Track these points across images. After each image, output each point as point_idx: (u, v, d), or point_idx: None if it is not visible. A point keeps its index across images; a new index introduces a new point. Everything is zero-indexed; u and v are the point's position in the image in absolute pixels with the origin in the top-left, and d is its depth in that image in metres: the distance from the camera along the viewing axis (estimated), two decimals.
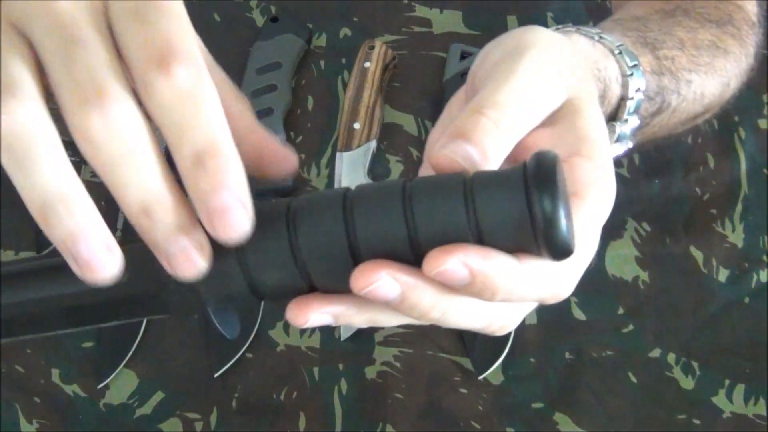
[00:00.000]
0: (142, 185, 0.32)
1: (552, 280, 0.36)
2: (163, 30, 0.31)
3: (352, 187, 0.35)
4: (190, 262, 0.33)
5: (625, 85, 0.50)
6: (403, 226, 0.33)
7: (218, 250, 0.33)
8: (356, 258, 0.34)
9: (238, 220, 0.32)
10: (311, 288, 0.35)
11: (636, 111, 0.51)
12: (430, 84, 0.75)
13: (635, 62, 0.50)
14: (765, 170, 0.73)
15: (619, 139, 0.51)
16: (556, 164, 0.33)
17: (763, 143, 0.74)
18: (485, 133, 0.36)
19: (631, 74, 0.50)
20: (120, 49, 0.32)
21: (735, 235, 0.71)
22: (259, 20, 0.77)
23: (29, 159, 0.31)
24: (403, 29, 0.77)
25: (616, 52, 0.50)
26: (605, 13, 0.77)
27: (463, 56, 0.74)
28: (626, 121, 0.51)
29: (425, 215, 0.33)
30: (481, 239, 0.33)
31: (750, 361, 0.66)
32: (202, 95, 0.31)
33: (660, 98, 0.55)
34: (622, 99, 0.50)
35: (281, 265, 0.34)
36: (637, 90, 0.50)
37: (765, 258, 0.70)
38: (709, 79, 0.59)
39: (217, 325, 0.36)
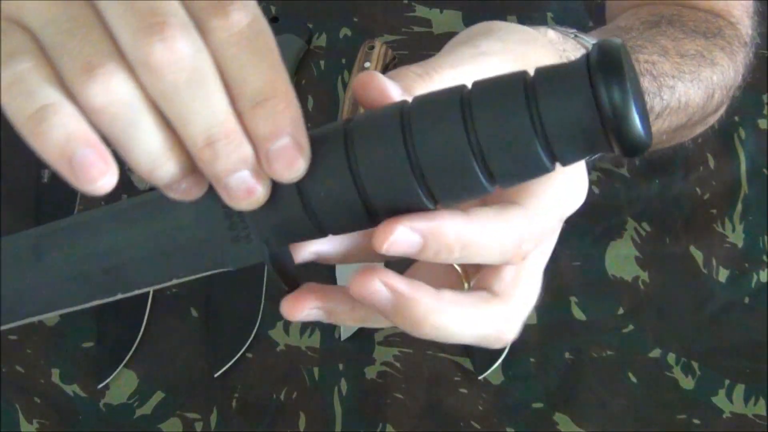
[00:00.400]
0: (207, 116, 0.31)
1: (509, 233, 0.35)
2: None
3: (409, 100, 0.34)
4: (250, 192, 0.33)
5: None
6: (464, 137, 0.31)
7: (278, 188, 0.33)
8: (416, 174, 0.32)
9: (295, 161, 0.32)
10: (368, 211, 0.33)
11: None
12: None
13: None
14: (765, 170, 0.73)
15: None
16: (621, 50, 0.30)
17: (763, 143, 0.74)
18: (410, 79, 0.37)
19: None
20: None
21: (735, 235, 0.71)
22: None
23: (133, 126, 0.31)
24: (403, 29, 0.77)
25: (590, 49, 0.50)
26: (605, 13, 0.77)
27: None
28: None
29: (486, 125, 0.31)
30: (547, 142, 0.31)
31: (750, 361, 0.66)
32: (259, 36, 0.31)
33: None
34: None
35: (339, 185, 0.33)
36: None
37: (765, 258, 0.70)
38: (694, 88, 0.59)
39: (278, 278, 0.35)
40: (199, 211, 0.35)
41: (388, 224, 0.33)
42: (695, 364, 0.66)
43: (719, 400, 0.65)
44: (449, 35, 0.80)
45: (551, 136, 0.31)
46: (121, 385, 0.66)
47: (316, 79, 0.75)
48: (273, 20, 0.77)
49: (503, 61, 0.40)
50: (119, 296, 0.37)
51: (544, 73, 0.31)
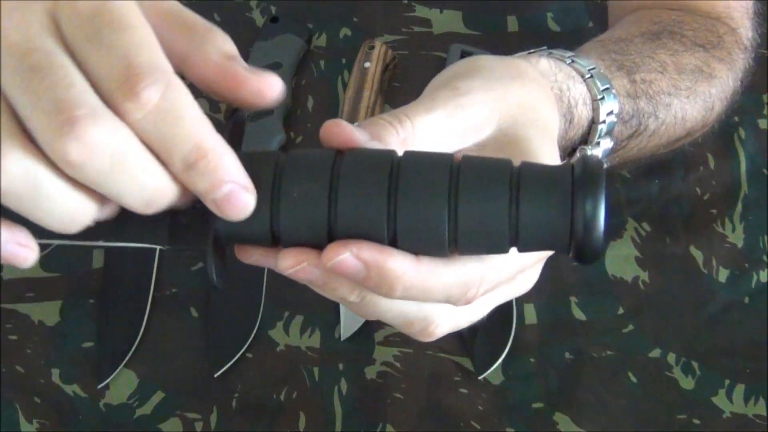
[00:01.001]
0: (140, 189, 0.32)
1: (457, 281, 0.36)
2: (121, 50, 0.31)
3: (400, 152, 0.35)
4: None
5: (595, 109, 0.50)
6: (444, 210, 0.34)
7: (253, 177, 0.34)
8: (389, 225, 0.34)
9: (241, 202, 0.34)
10: (330, 238, 0.35)
11: (609, 134, 0.51)
12: None
13: (607, 86, 0.51)
14: (765, 170, 0.73)
15: None
16: (602, 169, 0.33)
17: (763, 143, 0.74)
18: (392, 141, 0.38)
19: (602, 98, 0.50)
20: (85, 74, 0.32)
21: (735, 235, 0.71)
22: (259, 20, 0.77)
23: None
24: (403, 29, 0.77)
25: (587, 75, 0.50)
26: (605, 13, 0.77)
27: (463, 56, 0.74)
28: (598, 144, 0.51)
29: (467, 206, 0.34)
30: (516, 233, 0.34)
31: (750, 361, 0.66)
32: (176, 104, 0.32)
33: (635, 121, 0.55)
34: (593, 122, 0.50)
35: (314, 213, 0.34)
36: (609, 113, 0.51)
37: (765, 258, 0.70)
38: (691, 103, 0.59)
39: (210, 269, 0.36)
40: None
41: (339, 245, 0.34)
42: (695, 364, 0.66)
43: (719, 400, 0.65)
44: (449, 35, 0.81)
45: (521, 230, 0.34)
46: (121, 385, 0.66)
47: (316, 79, 0.75)
48: (273, 20, 0.77)
49: (482, 101, 0.41)
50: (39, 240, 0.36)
51: (531, 170, 0.34)
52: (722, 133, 0.71)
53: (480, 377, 0.65)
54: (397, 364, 0.65)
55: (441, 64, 0.74)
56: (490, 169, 0.34)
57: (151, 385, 0.66)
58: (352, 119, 0.71)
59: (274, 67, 0.74)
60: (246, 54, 0.75)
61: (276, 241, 0.36)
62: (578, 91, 0.49)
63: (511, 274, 0.39)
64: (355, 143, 0.36)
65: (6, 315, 0.67)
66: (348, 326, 0.66)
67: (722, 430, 0.64)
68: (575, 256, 0.34)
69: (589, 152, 0.51)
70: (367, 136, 0.37)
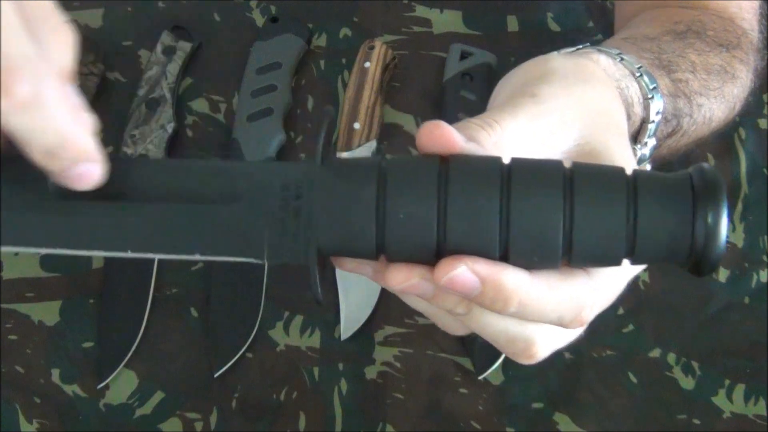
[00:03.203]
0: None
1: (570, 300, 0.36)
2: None
3: (506, 160, 0.34)
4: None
5: (646, 107, 0.49)
6: (560, 217, 0.33)
7: (356, 187, 0.34)
8: (502, 232, 0.33)
9: (94, 177, 0.35)
10: (438, 251, 0.34)
11: (655, 133, 0.51)
12: (430, 84, 0.74)
13: (654, 84, 0.50)
14: (765, 170, 0.73)
15: (639, 162, 0.51)
16: (721, 179, 0.33)
17: (763, 143, 0.74)
18: (487, 143, 0.37)
19: (652, 97, 0.49)
20: None
21: (735, 235, 0.71)
22: (259, 20, 0.77)
23: None
24: (403, 29, 0.77)
25: (637, 74, 0.49)
26: (605, 13, 0.77)
27: (463, 56, 0.74)
28: (645, 143, 0.51)
29: (584, 213, 0.33)
30: (633, 244, 0.33)
31: (750, 361, 0.66)
32: (48, 100, 0.33)
33: (675, 121, 0.55)
34: (643, 121, 0.50)
35: (423, 220, 0.33)
36: (657, 113, 0.50)
37: (765, 258, 0.70)
38: (718, 104, 0.59)
39: (315, 285, 0.35)
40: (252, 195, 0.35)
41: (453, 260, 0.34)
42: (695, 364, 0.66)
43: (719, 400, 0.65)
44: (449, 35, 0.81)
45: (639, 240, 0.33)
46: (121, 385, 0.66)
47: (316, 79, 0.75)
48: (273, 20, 0.77)
49: (564, 106, 0.40)
50: (125, 254, 0.36)
51: (647, 179, 0.33)
52: (722, 133, 0.71)
53: (480, 377, 0.65)
54: (397, 364, 0.65)
55: (441, 64, 0.74)
56: (605, 176, 0.33)
57: (151, 385, 0.66)
58: (352, 119, 0.71)
59: (274, 67, 0.74)
60: (246, 54, 0.75)
61: (380, 253, 0.35)
62: (633, 90, 0.48)
63: (618, 291, 0.38)
64: (456, 146, 0.35)
65: (6, 315, 0.67)
66: (348, 326, 0.66)
67: (722, 430, 0.64)
68: (692, 268, 0.33)
69: (638, 152, 0.50)
70: (464, 138, 0.36)
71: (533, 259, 0.34)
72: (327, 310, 0.67)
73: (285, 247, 0.35)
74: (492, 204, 0.33)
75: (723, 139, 0.73)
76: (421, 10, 0.77)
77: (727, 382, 0.66)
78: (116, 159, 0.36)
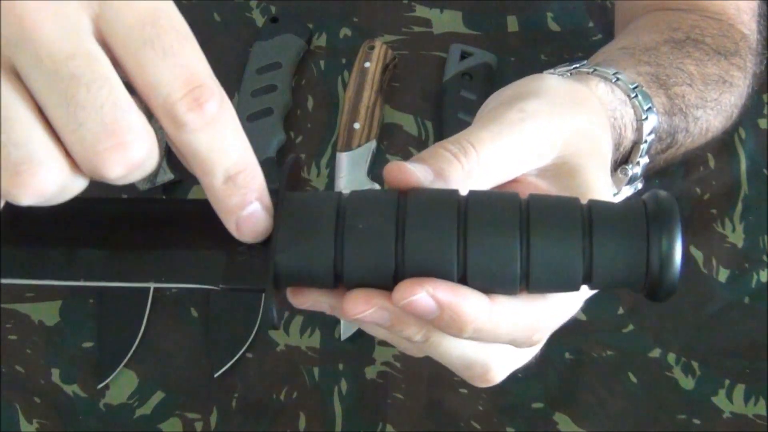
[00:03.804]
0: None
1: (525, 324, 0.36)
2: (184, 59, 0.31)
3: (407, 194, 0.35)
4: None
5: (639, 129, 0.49)
6: (516, 250, 0.33)
7: (315, 219, 0.34)
8: (459, 264, 0.34)
9: (262, 223, 0.34)
10: (396, 279, 0.34)
11: (647, 152, 0.51)
12: (430, 84, 0.75)
13: (649, 104, 0.50)
14: (765, 170, 0.73)
15: (630, 181, 0.51)
16: (675, 204, 0.33)
17: (763, 143, 0.74)
18: (455, 176, 0.37)
19: (646, 117, 0.49)
20: (133, 78, 0.31)
21: (735, 235, 0.71)
22: (259, 20, 0.77)
23: None
24: (403, 29, 0.77)
25: (632, 95, 0.49)
26: (605, 13, 0.77)
27: (463, 56, 0.74)
28: (638, 163, 0.50)
29: (540, 246, 0.33)
30: (590, 272, 0.34)
31: (750, 361, 0.66)
32: (228, 119, 0.32)
33: (670, 138, 0.55)
34: (635, 142, 0.50)
35: (381, 253, 0.34)
36: (650, 132, 0.50)
37: (765, 258, 0.70)
38: (715, 114, 0.59)
39: (271, 311, 0.35)
40: (206, 221, 0.35)
41: (413, 283, 0.34)
42: (695, 364, 0.66)
43: (719, 400, 0.65)
44: (449, 35, 0.81)
45: (595, 269, 0.33)
46: (121, 385, 0.66)
47: (316, 79, 0.75)
48: (273, 20, 0.77)
49: (548, 126, 0.40)
50: (77, 283, 0.36)
51: (601, 208, 0.34)
52: (722, 133, 0.71)
53: None
54: (397, 364, 0.65)
55: (441, 64, 0.74)
56: (560, 207, 0.34)
57: (151, 385, 0.66)
58: (352, 119, 0.71)
59: (274, 67, 0.74)
60: (246, 54, 0.75)
61: (338, 281, 0.35)
62: (627, 116, 0.48)
63: (574, 311, 0.39)
64: (419, 185, 0.35)
65: (6, 315, 0.67)
66: (348, 326, 0.66)
67: (722, 430, 0.64)
68: (648, 293, 0.33)
69: (630, 171, 0.50)
70: (431, 175, 0.36)
71: (490, 286, 0.35)
72: None
73: (240, 273, 0.35)
74: (450, 230, 0.33)
75: (723, 139, 0.73)
76: (421, 10, 0.77)
77: (727, 382, 0.66)
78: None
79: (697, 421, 0.64)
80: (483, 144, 0.38)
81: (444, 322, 0.34)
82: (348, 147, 0.70)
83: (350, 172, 0.69)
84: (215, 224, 0.35)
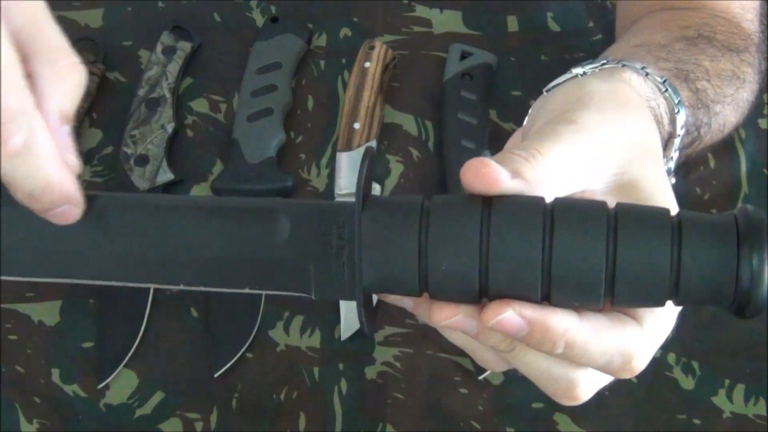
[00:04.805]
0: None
1: (618, 346, 0.36)
2: None
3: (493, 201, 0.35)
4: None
5: (673, 122, 0.49)
6: (603, 258, 0.33)
7: (399, 230, 0.34)
8: (544, 275, 0.34)
9: (72, 217, 0.37)
10: (480, 292, 0.35)
11: (679, 147, 0.51)
12: (430, 84, 0.75)
13: (679, 98, 0.49)
14: (765, 170, 0.73)
15: None
16: (766, 221, 0.32)
17: (763, 143, 0.74)
18: (531, 175, 0.37)
19: (678, 111, 0.49)
20: None
21: None
22: (259, 20, 0.77)
23: None
24: (403, 29, 0.77)
25: (663, 89, 0.49)
26: (605, 13, 0.77)
27: (463, 56, 0.74)
28: (672, 158, 0.50)
29: (627, 254, 0.33)
30: (677, 283, 0.33)
31: (750, 361, 0.66)
32: (36, 150, 0.35)
33: (696, 132, 0.54)
34: (670, 136, 0.50)
35: (464, 262, 0.34)
36: (682, 126, 0.50)
37: None
38: (731, 110, 0.59)
39: (362, 319, 0.36)
40: (295, 230, 0.36)
41: (500, 304, 0.34)
42: (695, 364, 0.66)
43: (719, 400, 0.65)
44: (449, 35, 0.81)
45: (683, 282, 0.33)
46: (121, 385, 0.66)
47: (316, 79, 0.75)
48: (273, 20, 0.77)
49: (604, 134, 0.40)
50: (176, 287, 0.37)
51: (691, 220, 0.33)
52: None
53: (480, 377, 0.65)
54: (397, 364, 0.65)
55: (441, 64, 0.74)
56: (649, 215, 0.33)
57: (151, 385, 0.66)
58: (352, 119, 0.71)
59: (274, 67, 0.74)
60: (246, 54, 0.75)
61: (422, 291, 0.36)
62: (663, 108, 0.48)
63: (666, 334, 0.38)
64: (502, 185, 0.35)
65: (6, 315, 0.67)
66: (348, 326, 0.66)
67: (722, 430, 0.64)
68: (737, 310, 0.33)
69: (666, 166, 0.49)
70: (509, 174, 0.36)
71: (574, 302, 0.34)
72: (327, 310, 0.67)
73: (331, 285, 0.36)
74: (534, 249, 0.33)
75: (723, 139, 0.73)
76: (421, 10, 0.77)
77: (727, 382, 0.66)
78: (158, 197, 0.37)
79: (697, 421, 0.64)
80: (546, 149, 0.38)
81: (535, 339, 0.35)
82: (348, 147, 0.70)
83: (350, 172, 0.69)
84: (302, 235, 0.35)
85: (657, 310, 0.37)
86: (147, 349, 0.66)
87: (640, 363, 0.37)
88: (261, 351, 0.66)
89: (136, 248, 0.37)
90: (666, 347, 0.67)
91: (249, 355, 0.66)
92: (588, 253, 0.33)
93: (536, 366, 0.38)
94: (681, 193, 0.71)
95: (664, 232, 0.33)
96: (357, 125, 0.71)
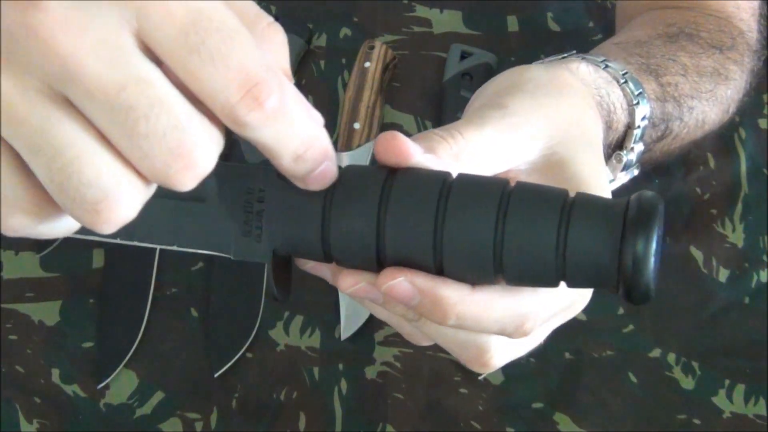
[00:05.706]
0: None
1: (512, 312, 0.36)
2: (235, 60, 0.30)
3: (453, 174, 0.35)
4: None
5: (631, 113, 0.50)
6: (491, 233, 0.33)
7: (307, 193, 0.35)
8: (436, 246, 0.34)
9: (330, 177, 0.35)
10: (378, 260, 0.35)
11: (641, 138, 0.51)
12: (430, 84, 0.75)
13: (640, 90, 0.50)
14: (765, 170, 0.73)
15: (625, 167, 0.51)
16: (657, 207, 0.32)
17: (763, 143, 0.74)
18: (444, 152, 0.38)
19: (637, 102, 0.50)
20: (188, 86, 0.30)
21: (735, 235, 0.71)
22: None
23: None
24: (403, 29, 0.77)
25: (622, 80, 0.49)
26: (605, 13, 0.77)
27: (463, 56, 0.74)
28: (632, 149, 0.51)
29: (515, 230, 0.33)
30: (563, 265, 0.33)
31: (750, 361, 0.66)
32: (289, 107, 0.31)
33: (664, 125, 0.55)
34: (629, 127, 0.50)
35: (362, 228, 0.35)
36: (643, 118, 0.50)
37: (765, 258, 0.70)
38: (711, 106, 0.59)
39: (270, 281, 0.37)
40: (222, 196, 0.37)
41: (393, 271, 0.35)
42: (695, 364, 0.66)
43: (719, 400, 0.65)
44: (449, 35, 0.81)
45: (569, 261, 0.33)
46: (121, 385, 0.66)
47: (316, 79, 0.75)
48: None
49: (532, 118, 0.41)
50: (117, 241, 0.38)
51: (584, 203, 0.33)
52: (722, 133, 0.71)
53: (480, 377, 0.65)
54: (397, 364, 0.65)
55: (441, 64, 0.74)
56: (542, 195, 0.34)
57: (151, 385, 0.66)
58: (352, 119, 0.71)
59: None
60: None
61: (329, 259, 0.36)
62: (616, 96, 0.49)
63: (566, 304, 0.39)
64: (411, 158, 0.36)
65: (6, 315, 0.67)
66: (348, 326, 0.66)
67: (722, 430, 0.64)
68: (624, 295, 0.33)
69: (624, 158, 0.50)
70: (421, 149, 0.36)
71: (467, 276, 0.35)
72: (327, 310, 0.67)
73: (249, 245, 0.37)
74: (427, 220, 0.34)
75: (723, 139, 0.73)
76: (421, 10, 0.77)
77: (727, 382, 0.66)
78: None
79: (697, 421, 0.64)
80: (468, 132, 0.39)
81: (426, 308, 0.35)
82: (348, 147, 0.70)
83: None
84: (227, 196, 0.37)
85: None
86: (147, 349, 0.66)
87: (533, 325, 0.37)
88: (261, 351, 0.66)
89: None
90: (666, 347, 0.67)
91: (249, 355, 0.66)
92: (477, 228, 0.33)
93: (444, 333, 0.38)
94: (681, 193, 0.72)
95: (554, 212, 0.33)
96: (357, 125, 0.71)
